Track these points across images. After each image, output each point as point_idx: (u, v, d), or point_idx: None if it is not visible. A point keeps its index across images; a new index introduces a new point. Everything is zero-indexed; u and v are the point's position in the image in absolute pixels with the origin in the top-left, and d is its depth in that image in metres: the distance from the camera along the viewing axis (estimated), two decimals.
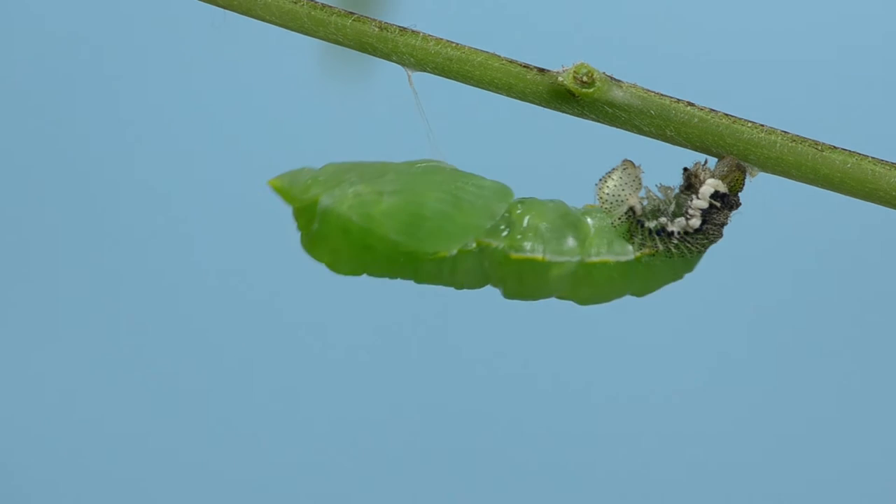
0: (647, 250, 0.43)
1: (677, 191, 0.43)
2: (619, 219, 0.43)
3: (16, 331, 1.02)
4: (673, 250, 0.43)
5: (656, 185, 0.43)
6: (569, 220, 0.43)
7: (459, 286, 0.43)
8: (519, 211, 0.43)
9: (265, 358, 1.02)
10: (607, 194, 0.43)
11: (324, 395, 1.01)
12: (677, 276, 0.43)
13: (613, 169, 0.43)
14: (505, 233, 0.43)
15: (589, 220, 0.43)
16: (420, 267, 0.43)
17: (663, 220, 0.43)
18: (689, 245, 0.43)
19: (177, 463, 1.01)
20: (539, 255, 0.43)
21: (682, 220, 0.42)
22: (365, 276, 0.43)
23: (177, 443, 1.01)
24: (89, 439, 1.01)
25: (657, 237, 0.43)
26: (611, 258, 0.43)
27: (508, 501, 1.00)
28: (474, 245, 0.43)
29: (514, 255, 0.43)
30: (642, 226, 0.43)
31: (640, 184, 0.43)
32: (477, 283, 0.43)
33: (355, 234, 0.42)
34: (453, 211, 0.42)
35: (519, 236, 0.43)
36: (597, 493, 1.00)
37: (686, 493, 1.00)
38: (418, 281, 0.43)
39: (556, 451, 1.00)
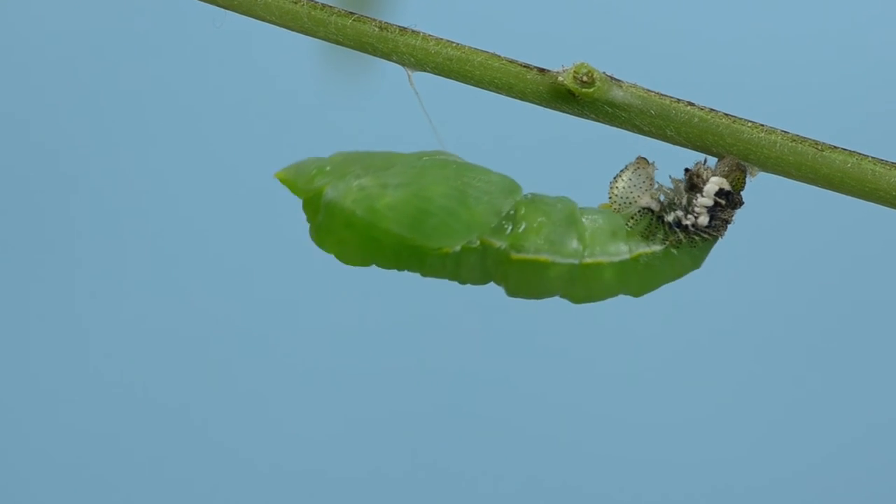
0: (668, 244, 0.43)
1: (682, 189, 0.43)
2: (634, 218, 0.43)
3: (24, 327, 1.02)
4: (696, 239, 0.43)
5: (669, 177, 0.43)
6: (572, 220, 0.43)
7: (463, 282, 0.43)
8: (524, 210, 0.43)
9: (279, 349, 1.02)
10: (617, 194, 0.43)
11: (332, 387, 1.01)
12: (679, 274, 0.43)
13: (626, 167, 0.43)
14: (508, 231, 0.43)
15: (584, 220, 0.43)
16: (425, 261, 0.43)
17: (679, 213, 0.43)
18: (700, 235, 0.43)
19: (181, 459, 1.01)
20: (541, 256, 0.43)
21: (691, 217, 0.42)
22: (374, 266, 0.43)
23: (182, 436, 1.01)
24: (93, 439, 1.01)
25: (677, 230, 0.43)
26: (604, 259, 0.43)
27: (509, 493, 1.00)
28: (478, 243, 0.43)
29: (516, 256, 0.43)
30: (662, 221, 0.43)
31: (652, 182, 0.43)
32: (480, 280, 0.43)
33: (359, 227, 0.42)
34: (458, 207, 0.42)
35: (522, 236, 0.43)
36: (595, 485, 1.00)
37: (682, 486, 1.00)
38: (424, 274, 0.43)
39: (556, 452, 1.00)
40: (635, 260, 0.43)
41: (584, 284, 0.43)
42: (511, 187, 0.43)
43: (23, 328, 1.02)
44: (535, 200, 0.43)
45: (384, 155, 0.43)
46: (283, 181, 0.43)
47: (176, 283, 1.02)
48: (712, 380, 1.01)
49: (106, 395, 1.01)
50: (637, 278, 0.43)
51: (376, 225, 0.42)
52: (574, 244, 0.43)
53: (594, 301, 0.44)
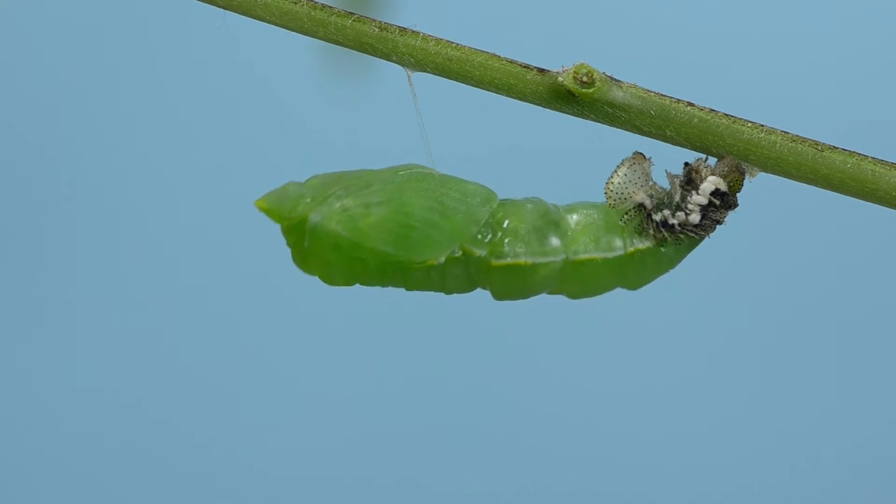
0: (655, 241, 0.43)
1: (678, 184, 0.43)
2: (629, 213, 0.43)
3: (20, 328, 1.02)
4: (681, 238, 0.43)
5: (665, 171, 0.43)
6: (549, 220, 0.43)
7: (449, 292, 0.44)
8: (497, 216, 0.43)
9: (277, 351, 1.02)
10: (613, 190, 0.43)
11: (322, 405, 1.01)
12: (667, 268, 0.44)
13: (622, 162, 0.43)
14: (487, 239, 0.43)
15: (575, 216, 0.44)
16: (409, 275, 0.43)
17: (666, 212, 0.43)
18: (687, 234, 0.43)
19: (179, 461, 1.01)
20: (520, 260, 0.43)
21: (681, 214, 0.43)
22: (357, 285, 0.43)
23: (169, 452, 1.01)
24: (90, 442, 1.01)
25: (663, 229, 0.43)
26: (598, 255, 0.43)
27: (508, 493, 1.00)
28: (460, 252, 0.43)
29: (496, 262, 0.43)
30: (650, 218, 0.43)
31: (647, 178, 0.43)
32: (466, 288, 0.44)
33: (346, 248, 0.43)
34: (439, 219, 0.43)
35: (499, 242, 0.43)
36: (594, 486, 1.00)
37: (679, 487, 1.00)
38: (408, 288, 0.43)
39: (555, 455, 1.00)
40: (630, 256, 0.43)
41: (577, 280, 0.43)
42: (487, 196, 0.43)
43: (22, 328, 1.02)
44: (505, 205, 0.44)
45: (360, 173, 0.43)
46: (264, 210, 0.43)
47: (175, 284, 1.02)
48: (711, 381, 1.01)
49: (104, 397, 1.01)
50: (632, 273, 0.44)
51: (362, 244, 0.42)
52: (553, 242, 0.43)
53: (591, 296, 0.44)
